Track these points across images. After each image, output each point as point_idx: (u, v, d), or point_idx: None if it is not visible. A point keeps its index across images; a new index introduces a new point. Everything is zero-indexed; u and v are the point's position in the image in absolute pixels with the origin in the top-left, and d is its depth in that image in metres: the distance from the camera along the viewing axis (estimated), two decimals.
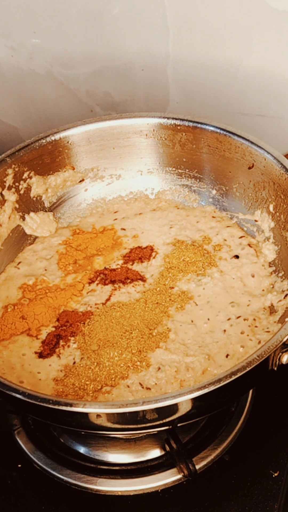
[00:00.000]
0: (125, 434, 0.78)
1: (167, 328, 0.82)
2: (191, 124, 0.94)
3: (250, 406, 0.86)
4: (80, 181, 1.01)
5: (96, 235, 0.96)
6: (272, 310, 0.83)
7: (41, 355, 0.81)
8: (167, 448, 0.79)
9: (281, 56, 1.04)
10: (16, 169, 0.92)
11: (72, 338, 0.82)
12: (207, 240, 0.93)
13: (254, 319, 0.82)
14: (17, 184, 0.94)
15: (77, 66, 1.15)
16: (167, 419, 0.66)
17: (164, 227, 0.96)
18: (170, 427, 0.69)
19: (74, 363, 0.79)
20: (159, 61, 1.11)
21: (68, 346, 0.81)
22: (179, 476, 0.79)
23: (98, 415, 0.62)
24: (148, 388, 0.75)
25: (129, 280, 0.89)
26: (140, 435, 0.81)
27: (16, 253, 0.95)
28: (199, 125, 0.94)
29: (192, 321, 0.83)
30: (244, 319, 0.82)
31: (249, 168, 0.91)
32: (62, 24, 1.10)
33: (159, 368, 0.77)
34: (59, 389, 0.76)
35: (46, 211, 0.99)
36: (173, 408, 0.63)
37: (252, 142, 0.89)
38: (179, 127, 0.95)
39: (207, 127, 0.93)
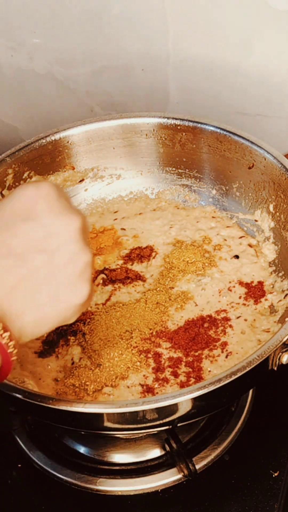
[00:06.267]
0: (125, 434, 0.78)
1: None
2: (191, 124, 0.94)
3: (250, 406, 0.86)
4: (80, 181, 1.01)
5: (96, 235, 0.96)
6: (272, 310, 0.83)
7: (41, 355, 0.81)
8: (167, 448, 0.79)
9: (281, 56, 1.04)
10: (16, 169, 0.92)
11: (72, 338, 0.82)
12: (207, 240, 0.93)
13: (254, 319, 0.82)
14: (17, 184, 0.93)
15: (77, 66, 1.15)
16: (167, 419, 0.65)
17: (164, 227, 0.96)
18: (170, 427, 0.69)
19: (74, 363, 0.79)
20: (159, 61, 1.11)
21: (68, 346, 0.81)
22: (179, 476, 0.79)
23: (98, 415, 0.62)
24: None
25: (129, 280, 0.89)
26: (140, 435, 0.81)
27: None
28: (199, 125, 0.94)
29: None
30: (244, 319, 0.82)
31: (249, 168, 0.91)
32: (62, 24, 1.10)
33: None
34: (59, 389, 0.76)
35: None
36: (173, 408, 0.63)
37: (252, 142, 0.89)
38: (179, 127, 0.95)
39: (207, 127, 0.93)
